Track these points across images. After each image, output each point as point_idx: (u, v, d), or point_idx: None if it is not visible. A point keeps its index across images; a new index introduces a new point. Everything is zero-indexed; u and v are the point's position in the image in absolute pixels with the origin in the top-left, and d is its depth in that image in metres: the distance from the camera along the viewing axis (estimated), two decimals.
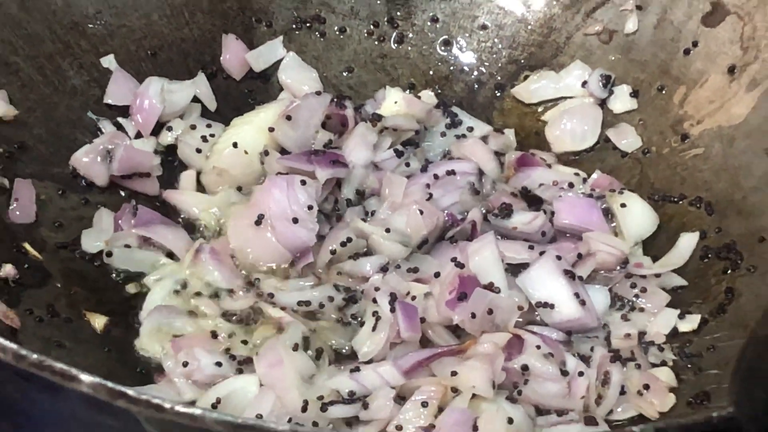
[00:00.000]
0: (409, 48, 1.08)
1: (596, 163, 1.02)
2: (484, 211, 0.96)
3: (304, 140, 0.98)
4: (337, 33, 1.08)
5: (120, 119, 0.99)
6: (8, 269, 0.86)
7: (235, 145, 0.98)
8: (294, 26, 1.07)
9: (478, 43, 1.07)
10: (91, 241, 0.93)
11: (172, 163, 1.00)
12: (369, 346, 0.87)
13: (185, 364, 0.84)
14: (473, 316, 0.86)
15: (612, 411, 0.85)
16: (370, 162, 0.97)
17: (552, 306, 0.89)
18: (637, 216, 0.97)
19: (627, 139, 1.02)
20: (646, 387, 0.85)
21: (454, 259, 0.91)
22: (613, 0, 1.04)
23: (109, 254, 0.92)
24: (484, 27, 1.07)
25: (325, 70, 1.06)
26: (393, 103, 1.02)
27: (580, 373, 0.84)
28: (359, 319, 0.90)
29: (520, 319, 0.88)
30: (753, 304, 0.88)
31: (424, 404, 0.80)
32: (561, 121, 1.04)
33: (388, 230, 0.92)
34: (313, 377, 0.84)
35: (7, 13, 0.94)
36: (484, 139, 1.01)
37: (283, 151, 0.97)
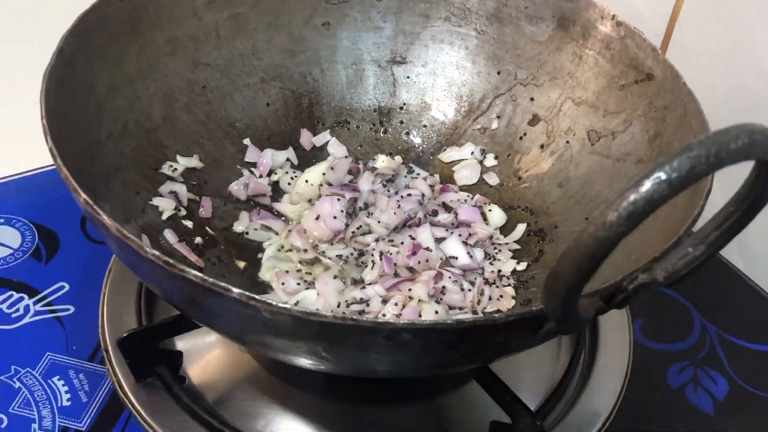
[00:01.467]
0: (390, 136, 1.06)
1: (477, 190, 1.01)
2: (424, 213, 0.95)
3: (339, 179, 0.97)
4: (355, 128, 1.06)
5: (252, 169, 0.98)
6: (198, 239, 0.87)
7: (306, 181, 0.97)
8: (334, 125, 1.05)
9: (422, 134, 1.06)
10: (238, 227, 0.92)
11: (277, 190, 0.99)
12: (369, 276, 0.87)
13: (282, 284, 0.85)
14: (419, 262, 0.87)
15: (485, 308, 0.85)
16: (370, 190, 0.97)
17: (456, 258, 0.89)
18: (497, 216, 0.96)
19: (492, 180, 1.01)
20: (501, 297, 0.86)
21: (410, 236, 0.91)
22: (486, 114, 1.02)
23: (246, 233, 0.91)
24: (425, 126, 1.05)
25: (349, 146, 1.05)
26: (381, 162, 1.01)
27: (470, 290, 0.85)
28: (365, 264, 0.89)
29: (441, 264, 0.88)
30: (553, 258, 0.89)
31: (396, 304, 0.82)
32: (461, 171, 1.02)
33: (379, 222, 0.92)
34: (343, 291, 0.85)
35: (198, 119, 0.94)
36: (425, 179, 1.01)
37: (329, 185, 0.97)
